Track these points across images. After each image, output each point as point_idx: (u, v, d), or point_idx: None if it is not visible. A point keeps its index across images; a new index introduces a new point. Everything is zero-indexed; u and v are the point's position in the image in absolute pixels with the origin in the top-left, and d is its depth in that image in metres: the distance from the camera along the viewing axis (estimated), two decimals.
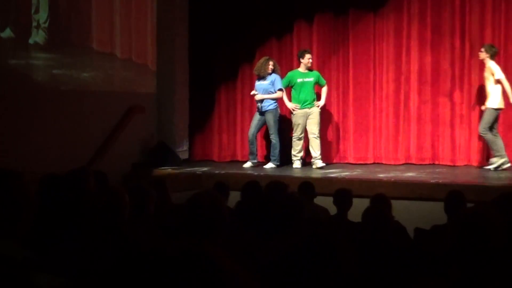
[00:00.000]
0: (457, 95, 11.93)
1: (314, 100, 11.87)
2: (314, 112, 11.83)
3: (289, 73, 12.11)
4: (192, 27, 13.21)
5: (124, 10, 11.91)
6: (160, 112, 12.73)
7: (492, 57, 11.04)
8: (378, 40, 12.36)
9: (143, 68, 12.35)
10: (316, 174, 11.01)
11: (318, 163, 11.74)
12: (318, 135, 11.82)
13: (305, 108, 11.86)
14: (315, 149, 11.81)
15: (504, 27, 11.69)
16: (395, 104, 12.22)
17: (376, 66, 12.36)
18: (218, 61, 13.15)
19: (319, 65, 12.54)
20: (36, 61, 10.21)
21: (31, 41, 10.12)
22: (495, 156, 11.04)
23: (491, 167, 11.00)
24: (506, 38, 11.68)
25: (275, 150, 12.04)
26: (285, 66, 12.71)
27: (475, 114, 11.82)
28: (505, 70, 11.62)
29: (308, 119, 11.82)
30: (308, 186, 7.85)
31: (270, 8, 12.87)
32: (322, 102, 11.96)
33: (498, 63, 11.54)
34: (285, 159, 12.04)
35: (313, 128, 11.81)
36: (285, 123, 12.44)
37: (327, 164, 11.87)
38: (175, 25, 12.90)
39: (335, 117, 12.62)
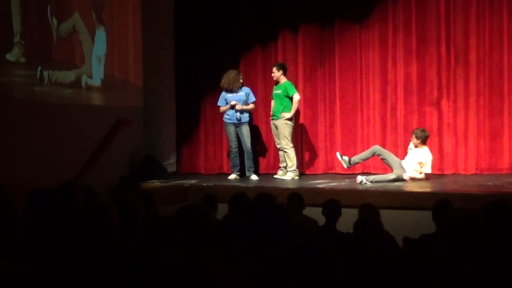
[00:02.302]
0: (443, 103, 11.97)
1: (281, 112, 11.83)
2: (279, 125, 11.84)
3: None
4: (177, 39, 13.21)
5: (106, 26, 11.87)
6: (147, 125, 12.71)
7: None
8: (364, 50, 12.39)
9: (125, 83, 12.30)
10: (305, 185, 10.99)
11: (289, 174, 11.79)
12: (287, 147, 11.77)
13: (273, 119, 11.93)
14: (287, 161, 11.83)
15: (488, 35, 11.75)
16: (382, 114, 12.25)
17: (363, 76, 12.39)
18: (203, 72, 13.14)
19: (305, 76, 12.57)
20: (17, 78, 10.12)
21: (11, 58, 10.00)
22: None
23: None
24: (491, 46, 11.73)
25: (252, 161, 12.13)
26: (270, 77, 12.72)
27: (462, 122, 11.86)
28: (489, 78, 11.69)
29: (278, 131, 11.87)
30: (297, 197, 7.84)
31: (255, 18, 12.89)
32: (288, 114, 11.79)
33: (484, 71, 11.64)
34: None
35: (281, 140, 11.83)
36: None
37: (312, 175, 11.93)
38: (160, 37, 12.90)
39: (323, 128, 12.63)
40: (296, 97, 11.80)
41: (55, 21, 10.69)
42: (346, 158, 11.36)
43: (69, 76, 11.02)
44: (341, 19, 12.48)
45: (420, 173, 11.04)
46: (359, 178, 10.85)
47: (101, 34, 11.73)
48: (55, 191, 5.90)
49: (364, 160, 11.45)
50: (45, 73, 10.48)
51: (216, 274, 1.75)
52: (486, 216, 3.29)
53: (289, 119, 11.77)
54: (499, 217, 4.33)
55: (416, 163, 11.07)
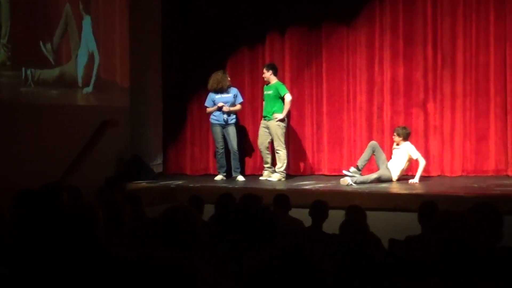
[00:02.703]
0: (430, 105, 12.00)
1: (272, 113, 11.81)
2: (271, 125, 11.82)
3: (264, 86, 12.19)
4: (165, 39, 13.19)
5: (93, 26, 11.84)
6: (133, 125, 12.68)
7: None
8: (351, 51, 12.41)
9: (111, 84, 12.25)
10: (291, 186, 11.00)
11: (275, 175, 11.82)
12: (280, 148, 11.78)
13: (264, 120, 11.93)
14: (278, 161, 11.86)
15: (475, 37, 11.78)
16: (369, 115, 12.27)
17: (350, 77, 12.40)
18: (191, 73, 13.13)
19: (293, 78, 12.57)
20: (2, 79, 10.05)
21: None
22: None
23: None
24: (477, 48, 11.77)
25: (238, 162, 12.14)
26: (257, 78, 12.73)
27: (448, 124, 11.89)
28: (476, 80, 11.74)
29: (270, 131, 11.86)
30: (283, 199, 7.84)
31: (243, 20, 12.88)
32: (280, 115, 11.79)
33: (470, 73, 11.69)
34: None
35: (274, 142, 11.86)
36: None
37: (300, 176, 11.99)
38: (147, 38, 12.86)
39: (309, 129, 12.64)
40: (288, 97, 11.80)
41: (49, 47, 10.70)
42: (352, 168, 11.35)
43: (53, 74, 10.96)
44: (328, 20, 12.49)
45: (415, 161, 11.13)
46: (347, 180, 10.87)
47: (87, 24, 11.70)
48: (40, 191, 5.89)
49: (368, 159, 11.42)
50: (29, 72, 10.43)
51: (202, 274, 1.74)
52: (473, 218, 3.31)
53: (281, 120, 11.78)
54: (485, 219, 4.35)
55: (404, 160, 11.13)
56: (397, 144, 11.28)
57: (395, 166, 11.14)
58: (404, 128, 11.33)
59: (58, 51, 11.02)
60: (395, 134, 11.28)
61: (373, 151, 11.34)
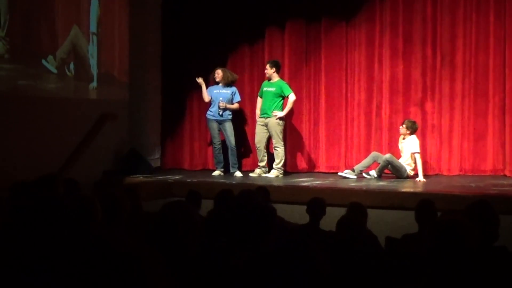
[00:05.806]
0: (428, 104, 12.00)
1: (272, 111, 11.83)
2: (270, 122, 11.83)
3: (263, 83, 12.16)
4: (164, 34, 13.18)
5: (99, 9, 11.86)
6: (132, 119, 12.68)
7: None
8: (350, 49, 12.40)
9: (110, 78, 12.25)
10: (288, 183, 11.01)
11: (273, 172, 11.82)
12: (278, 145, 11.82)
13: (262, 117, 11.93)
14: (276, 158, 11.88)
15: (475, 37, 11.77)
16: (367, 113, 12.26)
17: (348, 75, 12.39)
18: (190, 69, 13.09)
19: (291, 74, 12.56)
20: (0, 72, 10.05)
21: None
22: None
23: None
24: (477, 48, 11.76)
25: (236, 157, 12.19)
26: (257, 74, 12.73)
27: (446, 123, 11.90)
28: (475, 80, 11.74)
29: (268, 129, 11.87)
30: (263, 191, 7.79)
31: (242, 16, 12.87)
32: (281, 113, 11.83)
33: (469, 73, 11.69)
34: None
35: (273, 139, 11.89)
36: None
37: (297, 173, 12.00)
38: (147, 33, 12.87)
39: (307, 126, 12.63)
40: (292, 97, 11.81)
41: (51, 58, 10.75)
42: (347, 170, 11.47)
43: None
44: (328, 16, 12.47)
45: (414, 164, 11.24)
46: (372, 172, 11.26)
47: (94, 6, 11.74)
48: (35, 183, 5.90)
49: (367, 167, 11.46)
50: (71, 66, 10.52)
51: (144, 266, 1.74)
52: (470, 218, 3.32)
53: (280, 118, 11.79)
54: (481, 218, 4.36)
55: (410, 153, 11.20)
56: (403, 138, 11.33)
57: (406, 161, 11.23)
58: (414, 123, 11.39)
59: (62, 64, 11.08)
60: (403, 126, 11.32)
61: (375, 160, 11.40)
